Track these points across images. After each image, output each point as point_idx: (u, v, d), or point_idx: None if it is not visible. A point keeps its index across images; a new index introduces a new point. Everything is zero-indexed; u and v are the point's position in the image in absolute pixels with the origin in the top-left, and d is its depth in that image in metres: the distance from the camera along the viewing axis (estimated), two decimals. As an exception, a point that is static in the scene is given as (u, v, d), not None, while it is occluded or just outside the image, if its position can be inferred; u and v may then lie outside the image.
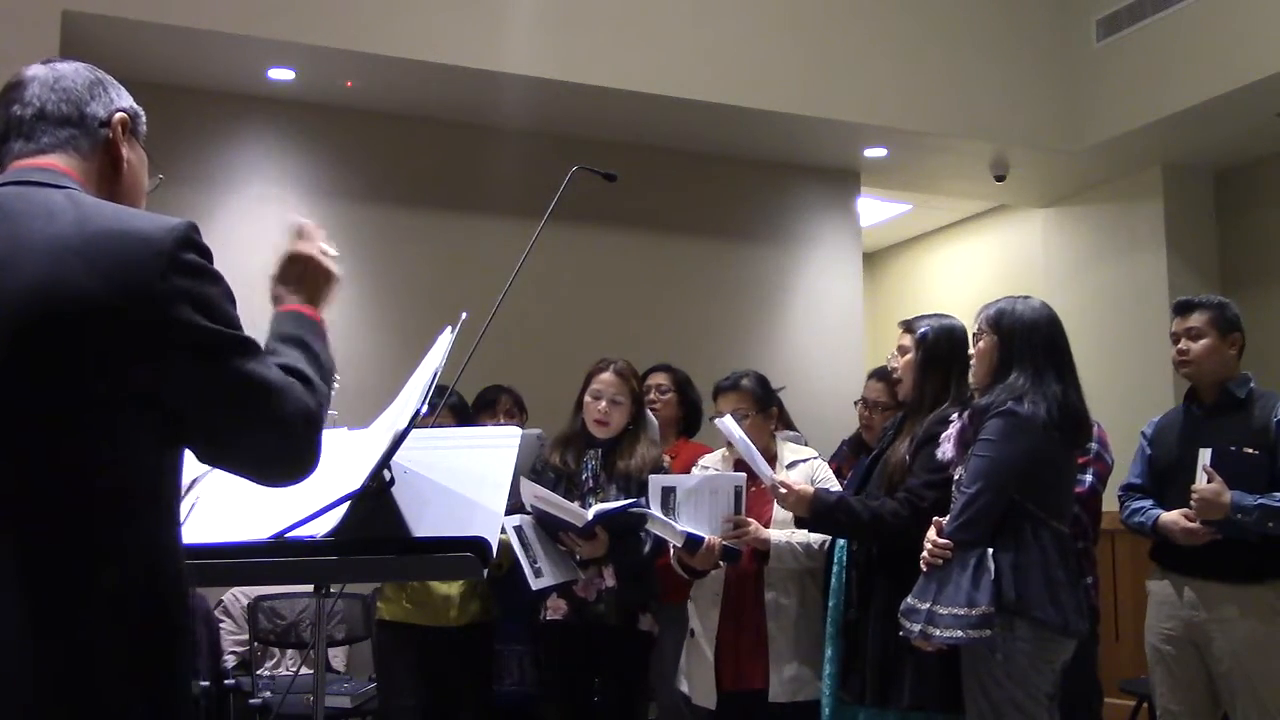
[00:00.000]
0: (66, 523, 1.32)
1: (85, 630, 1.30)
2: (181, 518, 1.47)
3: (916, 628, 2.86)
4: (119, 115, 1.55)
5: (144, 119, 1.62)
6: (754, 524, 3.43)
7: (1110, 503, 3.83)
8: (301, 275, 1.67)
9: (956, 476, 3.01)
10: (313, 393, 1.47)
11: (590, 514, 3.42)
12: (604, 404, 3.70)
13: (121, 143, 1.54)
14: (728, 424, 3.41)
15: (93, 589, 1.31)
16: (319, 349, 1.58)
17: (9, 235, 1.36)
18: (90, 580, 1.32)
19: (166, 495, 1.42)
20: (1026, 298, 3.15)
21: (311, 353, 1.55)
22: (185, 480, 1.75)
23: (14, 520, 1.31)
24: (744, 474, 3.46)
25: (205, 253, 1.40)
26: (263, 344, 1.52)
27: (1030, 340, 3.02)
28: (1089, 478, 3.68)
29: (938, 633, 2.82)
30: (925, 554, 2.93)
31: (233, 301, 1.42)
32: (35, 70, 1.54)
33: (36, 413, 1.32)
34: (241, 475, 1.49)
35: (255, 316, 1.57)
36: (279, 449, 1.44)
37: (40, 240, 1.34)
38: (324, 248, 1.71)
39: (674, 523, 3.38)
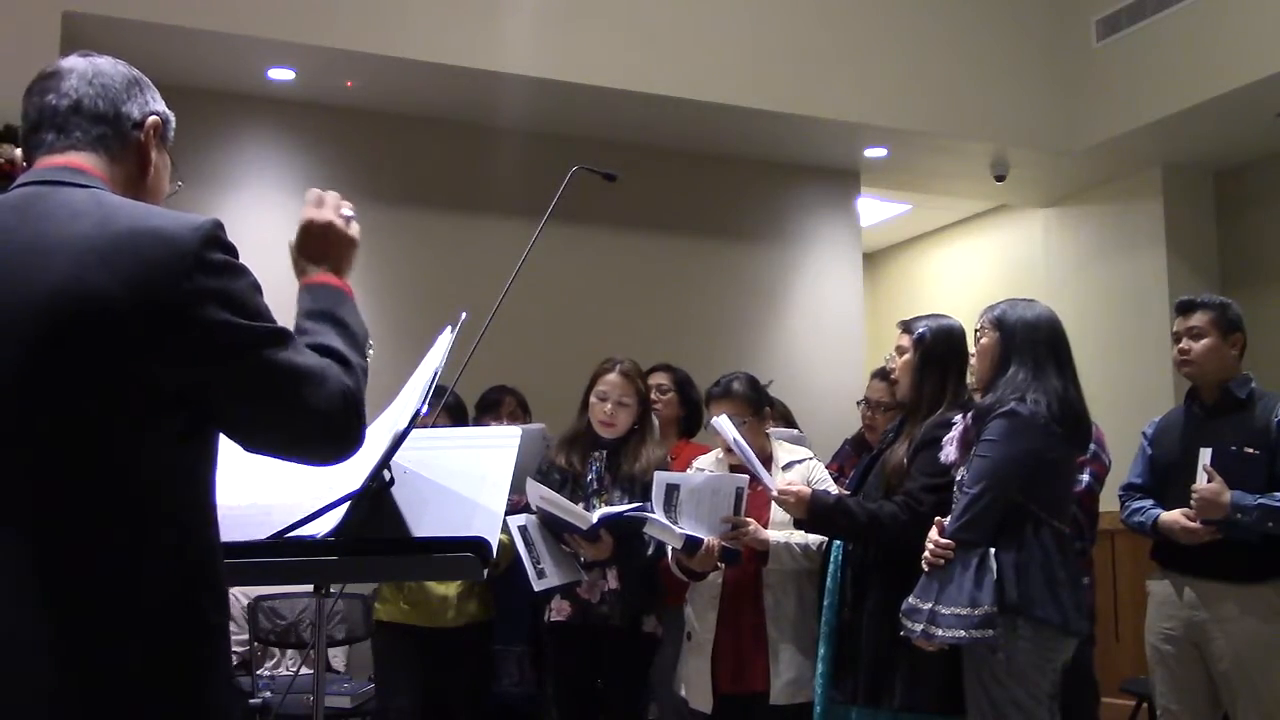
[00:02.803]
0: (93, 524, 1.31)
1: (113, 631, 1.30)
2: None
3: (918, 628, 2.86)
4: (152, 119, 1.54)
5: (174, 125, 1.60)
6: (753, 524, 3.42)
7: (1110, 502, 3.83)
8: (322, 244, 1.64)
9: (959, 477, 3.01)
10: (350, 371, 1.47)
11: (595, 517, 3.42)
12: (610, 406, 3.69)
13: (152, 147, 1.53)
14: (723, 424, 3.40)
15: (121, 590, 1.31)
16: (350, 320, 1.56)
17: (34, 236, 1.35)
18: (118, 581, 1.31)
19: (200, 492, 1.42)
20: (1030, 300, 3.16)
21: (342, 325, 1.54)
22: None
23: (40, 522, 1.31)
24: (747, 476, 3.46)
25: (230, 249, 1.40)
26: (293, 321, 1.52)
27: (1031, 336, 3.03)
28: (1086, 477, 3.68)
29: (940, 633, 2.82)
30: (927, 554, 2.92)
31: (260, 291, 1.41)
32: (74, 62, 1.52)
33: (62, 415, 1.31)
34: (285, 460, 1.50)
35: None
36: (322, 434, 1.44)
37: (64, 241, 1.33)
38: (342, 211, 1.68)
39: (673, 525, 3.37)
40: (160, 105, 1.57)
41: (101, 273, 1.31)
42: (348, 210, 1.68)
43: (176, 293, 1.32)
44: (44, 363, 1.30)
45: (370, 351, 1.59)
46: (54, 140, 1.47)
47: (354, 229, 1.68)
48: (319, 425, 1.42)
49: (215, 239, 1.37)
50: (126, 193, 1.49)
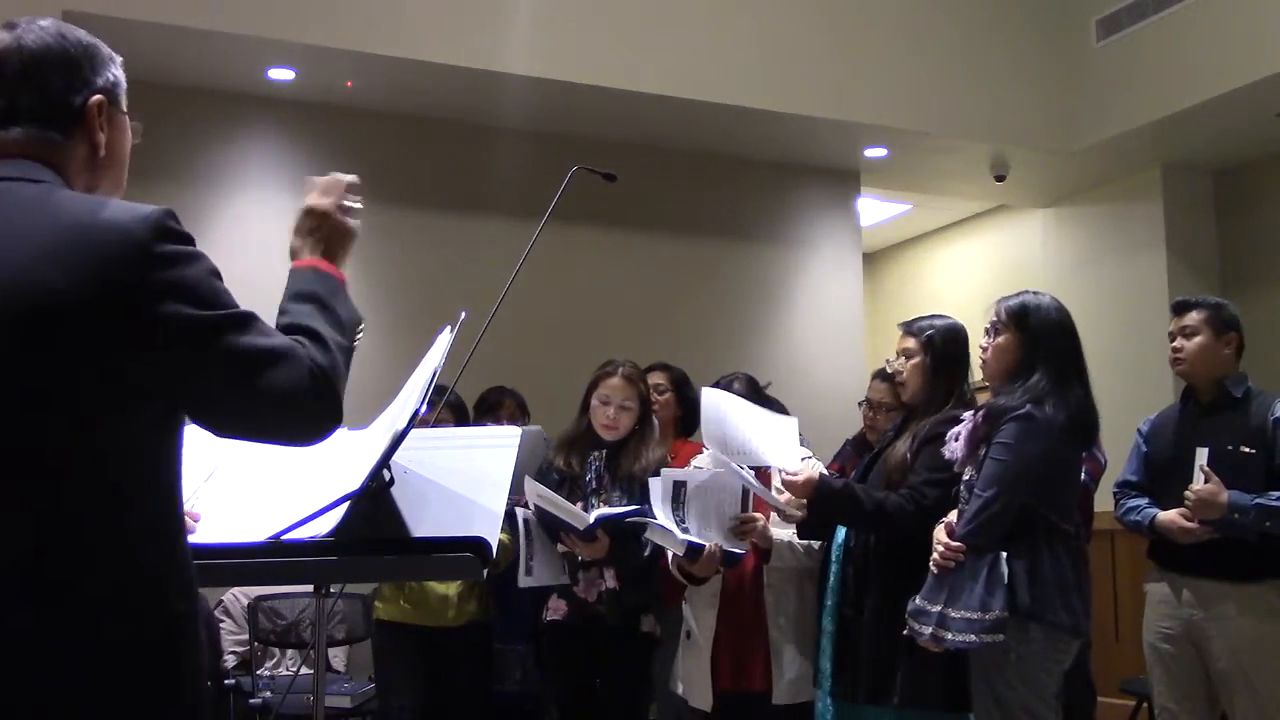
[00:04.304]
0: (57, 516, 1.31)
1: (79, 624, 1.30)
2: (190, 497, 1.45)
3: (927, 630, 2.85)
4: (95, 100, 1.49)
5: (124, 85, 1.55)
6: (762, 519, 3.41)
7: (1105, 500, 3.84)
8: (317, 230, 1.64)
9: (967, 476, 2.99)
10: (322, 347, 1.45)
11: (592, 517, 3.42)
12: (613, 410, 3.68)
13: (98, 129, 1.49)
14: (740, 469, 3.34)
15: (85, 583, 1.31)
16: (333, 302, 1.54)
17: None
18: (81, 574, 1.31)
19: (166, 484, 1.41)
20: (1041, 293, 3.12)
21: (324, 306, 1.52)
22: (204, 470, 1.73)
23: (3, 515, 1.30)
24: (753, 470, 3.44)
25: (182, 238, 1.37)
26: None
27: (1055, 341, 3.00)
28: (1082, 476, 3.68)
29: (950, 636, 2.81)
30: (936, 556, 2.91)
31: (218, 275, 1.39)
32: (4, 47, 1.46)
33: (21, 410, 1.30)
34: (262, 443, 1.48)
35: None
36: (290, 414, 1.41)
37: (13, 238, 1.32)
38: (345, 201, 1.67)
39: (676, 529, 3.36)
40: (102, 77, 1.51)
41: (52, 269, 1.29)
42: (350, 201, 1.67)
43: (129, 287, 1.31)
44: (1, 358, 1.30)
45: (360, 336, 1.57)
46: None
47: (353, 222, 1.67)
48: (286, 406, 1.40)
49: (165, 229, 1.35)
50: (82, 176, 1.47)
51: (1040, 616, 2.82)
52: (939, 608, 2.84)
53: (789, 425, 3.47)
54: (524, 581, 3.51)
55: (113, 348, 1.31)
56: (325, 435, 1.45)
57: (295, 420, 1.42)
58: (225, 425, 1.43)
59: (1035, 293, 3.13)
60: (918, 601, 2.90)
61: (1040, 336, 3.00)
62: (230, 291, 1.40)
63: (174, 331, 1.33)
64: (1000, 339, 3.06)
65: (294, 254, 1.63)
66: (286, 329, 1.46)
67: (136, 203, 1.39)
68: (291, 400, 1.39)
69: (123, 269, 1.31)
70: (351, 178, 1.70)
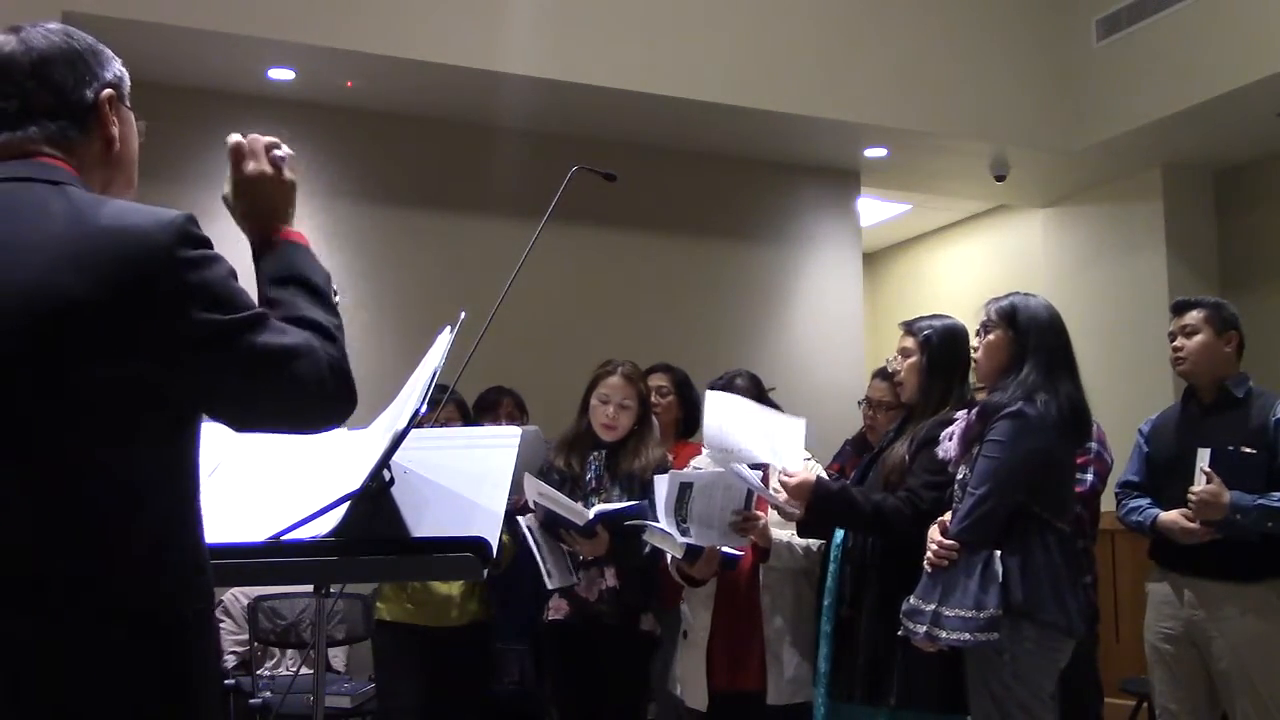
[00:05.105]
0: (77, 521, 1.31)
1: (95, 628, 1.30)
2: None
3: (921, 629, 2.85)
4: (105, 93, 1.50)
5: (128, 80, 1.57)
6: (764, 518, 3.41)
7: (1107, 500, 3.84)
8: (263, 198, 1.63)
9: (960, 475, 2.99)
10: (331, 340, 1.47)
11: (592, 513, 3.42)
12: (612, 409, 3.69)
13: (111, 123, 1.50)
14: (740, 469, 3.33)
15: (102, 585, 1.31)
16: (314, 277, 1.55)
17: (4, 236, 1.34)
18: (100, 576, 1.31)
19: (183, 485, 1.42)
20: (1031, 294, 3.14)
21: (310, 288, 1.53)
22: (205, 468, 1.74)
23: (19, 522, 1.30)
24: (759, 472, 3.44)
25: (203, 242, 1.38)
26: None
27: (1044, 337, 3.01)
28: (1089, 476, 3.69)
29: (944, 634, 2.81)
30: (930, 554, 2.91)
31: (235, 276, 1.41)
32: (11, 50, 1.47)
33: (40, 416, 1.31)
34: (280, 433, 1.53)
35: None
36: (312, 407, 1.44)
37: (34, 242, 1.32)
38: (273, 152, 1.65)
39: (675, 532, 3.35)
40: (109, 72, 1.53)
41: (73, 274, 1.30)
42: (280, 150, 1.65)
43: (152, 291, 1.32)
44: (19, 364, 1.29)
45: (337, 297, 1.58)
46: (9, 139, 1.44)
47: (289, 173, 1.64)
48: (309, 398, 1.42)
49: (187, 234, 1.36)
50: (96, 173, 1.48)
51: (1033, 615, 2.82)
52: (933, 606, 2.84)
53: (796, 427, 3.46)
54: (551, 585, 3.54)
55: (134, 351, 1.32)
56: (341, 423, 1.49)
57: (317, 410, 1.45)
58: (247, 420, 1.47)
59: (1025, 294, 3.14)
60: (912, 601, 2.90)
61: (1029, 333, 3.02)
62: (245, 291, 1.41)
63: (197, 335, 1.34)
64: (991, 336, 3.08)
65: (246, 228, 1.62)
66: (291, 323, 1.46)
67: (150, 205, 1.40)
68: (314, 393, 1.42)
69: (146, 273, 1.32)
70: (270, 139, 1.66)
